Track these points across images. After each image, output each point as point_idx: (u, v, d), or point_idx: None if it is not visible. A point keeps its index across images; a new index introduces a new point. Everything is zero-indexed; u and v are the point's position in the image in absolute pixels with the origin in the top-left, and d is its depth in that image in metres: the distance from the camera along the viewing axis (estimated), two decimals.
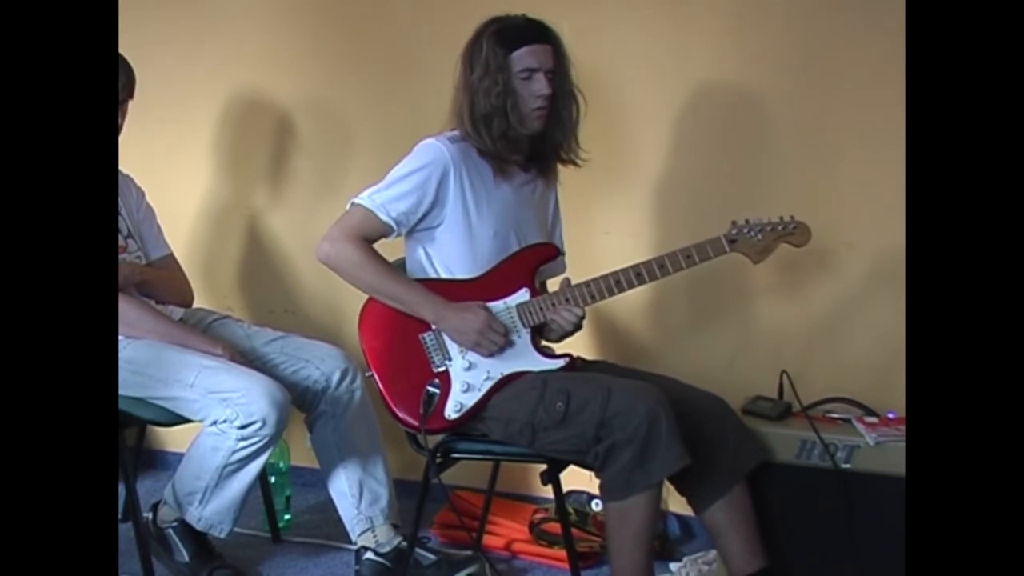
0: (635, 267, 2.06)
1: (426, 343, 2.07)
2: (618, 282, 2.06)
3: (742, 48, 2.44)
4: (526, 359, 2.08)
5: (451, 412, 2.04)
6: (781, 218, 2.09)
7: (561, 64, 2.08)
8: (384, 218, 2.05)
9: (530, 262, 2.14)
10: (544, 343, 2.15)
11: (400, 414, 2.05)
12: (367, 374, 2.11)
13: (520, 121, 2.05)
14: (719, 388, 2.11)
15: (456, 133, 2.10)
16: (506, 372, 2.06)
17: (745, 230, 2.07)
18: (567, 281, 2.11)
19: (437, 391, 2.04)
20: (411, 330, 2.08)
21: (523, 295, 2.10)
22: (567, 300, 2.07)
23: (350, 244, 2.05)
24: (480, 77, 2.03)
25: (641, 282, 2.06)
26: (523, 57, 2.03)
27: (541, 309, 2.08)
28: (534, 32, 2.05)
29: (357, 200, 2.07)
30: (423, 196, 2.06)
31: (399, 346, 2.08)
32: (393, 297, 2.08)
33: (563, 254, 2.25)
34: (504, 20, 2.07)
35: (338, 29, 2.80)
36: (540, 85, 2.03)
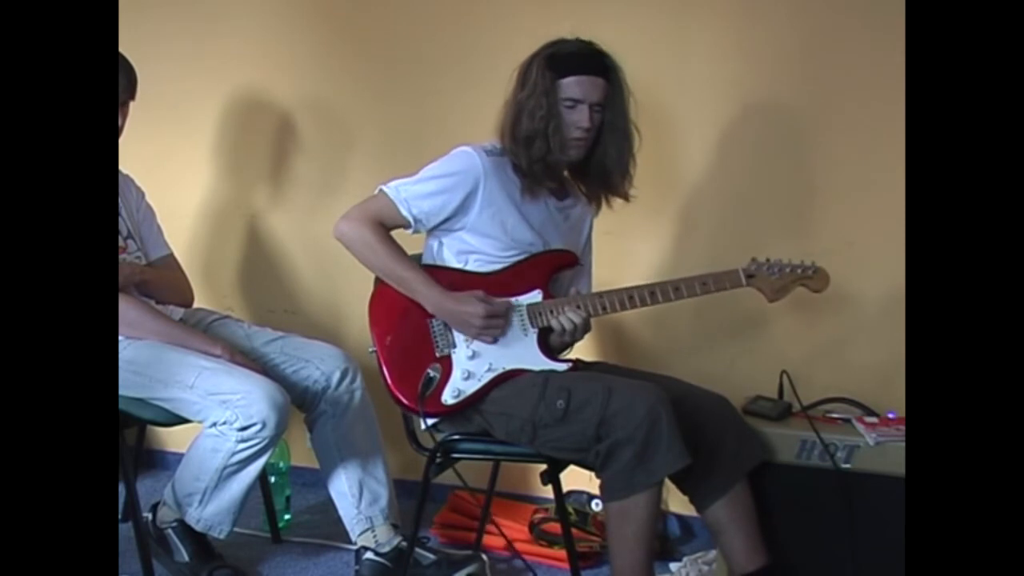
0: (650, 287, 2.08)
1: (433, 328, 2.08)
2: (631, 298, 2.08)
3: (743, 48, 2.44)
4: (531, 358, 2.09)
5: (448, 398, 2.05)
6: (803, 261, 2.11)
7: (614, 99, 2.07)
8: (404, 212, 2.06)
9: (546, 266, 2.14)
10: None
11: (397, 394, 2.06)
12: (369, 350, 2.11)
13: (561, 147, 2.05)
14: (719, 388, 2.11)
15: (496, 145, 2.11)
16: (508, 367, 2.07)
17: (764, 268, 2.10)
18: (577, 292, 2.14)
19: (437, 375, 2.04)
20: (420, 314, 2.09)
21: (535, 296, 2.11)
22: (578, 307, 2.08)
23: (366, 226, 2.07)
24: (527, 97, 2.04)
25: (655, 302, 2.08)
26: (569, 86, 2.03)
27: (551, 312, 2.09)
28: (587, 63, 2.04)
29: (385, 187, 2.09)
30: (448, 202, 2.07)
31: (405, 328, 2.09)
32: (398, 281, 2.09)
33: (581, 265, 2.23)
34: (561, 44, 2.06)
35: (338, 29, 2.80)
36: (581, 117, 2.03)
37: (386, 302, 2.12)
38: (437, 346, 2.08)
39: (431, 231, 2.14)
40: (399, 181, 2.08)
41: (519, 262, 2.12)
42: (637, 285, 2.08)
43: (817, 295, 2.43)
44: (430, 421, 2.09)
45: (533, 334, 2.10)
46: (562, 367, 2.09)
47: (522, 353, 2.09)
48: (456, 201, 2.07)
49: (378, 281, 2.14)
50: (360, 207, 2.09)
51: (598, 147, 2.10)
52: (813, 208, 2.39)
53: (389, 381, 2.07)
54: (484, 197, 2.07)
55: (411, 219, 2.07)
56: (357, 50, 2.79)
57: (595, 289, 2.20)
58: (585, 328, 2.10)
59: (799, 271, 2.11)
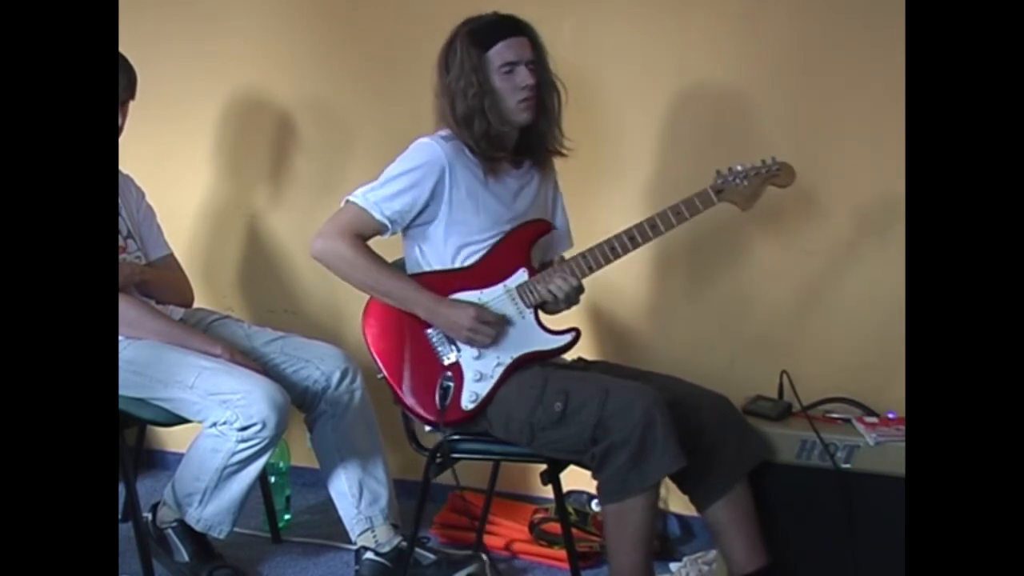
0: (627, 231, 2.06)
1: (432, 338, 2.07)
2: (612, 248, 2.06)
3: (743, 46, 2.44)
4: (533, 339, 2.08)
5: (467, 403, 2.04)
6: (763, 161, 2.09)
7: (539, 55, 2.08)
8: (378, 217, 2.05)
9: (524, 241, 2.12)
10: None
11: (418, 411, 2.05)
12: (379, 376, 2.10)
13: (501, 119, 2.04)
14: (719, 388, 2.11)
15: (448, 131, 2.10)
16: (516, 355, 2.06)
17: (730, 178, 2.08)
18: (560, 258, 2.11)
19: (451, 384, 2.04)
20: (416, 327, 2.08)
21: (521, 275, 2.09)
22: (565, 272, 2.06)
23: (343, 241, 2.04)
24: (456, 78, 2.04)
25: (635, 245, 2.06)
26: (500, 52, 2.03)
27: (540, 286, 2.07)
28: (507, 27, 2.05)
29: (351, 198, 2.07)
30: (418, 196, 2.05)
31: (407, 344, 2.08)
32: (386, 293, 2.07)
33: (556, 228, 2.22)
34: (476, 20, 2.07)
35: (338, 29, 2.80)
36: (523, 76, 2.03)
37: (380, 322, 2.10)
38: (441, 354, 2.07)
39: (408, 232, 2.12)
40: (364, 188, 2.06)
41: (495, 246, 2.10)
42: (615, 234, 2.06)
43: (819, 294, 2.45)
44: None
45: (530, 314, 2.09)
46: (567, 339, 2.09)
47: (524, 337, 2.08)
48: (426, 193, 2.05)
49: (368, 304, 2.12)
50: (333, 222, 2.06)
51: (538, 105, 2.08)
52: (813, 207, 2.39)
53: (407, 401, 2.06)
54: (452, 182, 2.05)
55: (386, 222, 2.05)
56: (357, 50, 2.79)
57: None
58: (579, 290, 2.09)
59: (764, 171, 2.08)
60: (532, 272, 2.10)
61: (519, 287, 2.09)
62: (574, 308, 2.14)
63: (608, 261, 2.06)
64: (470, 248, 2.10)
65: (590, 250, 2.06)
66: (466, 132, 2.05)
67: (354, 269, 2.06)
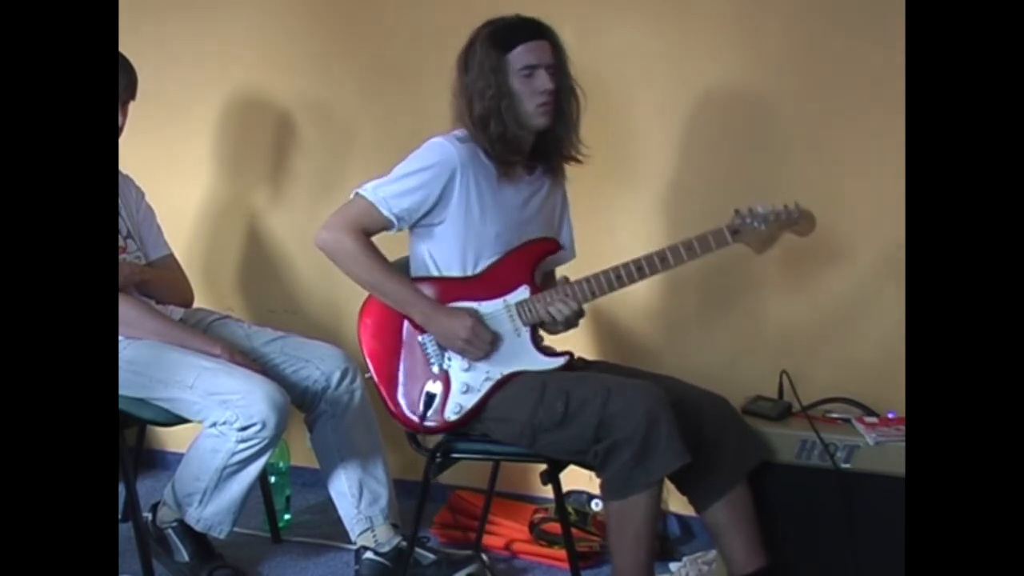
0: (636, 261, 2.04)
1: (425, 345, 2.07)
2: (619, 277, 2.04)
3: (745, 50, 2.44)
4: (526, 358, 2.07)
5: (450, 414, 2.04)
6: (785, 206, 2.06)
7: (560, 60, 2.07)
8: (386, 213, 2.03)
9: (530, 258, 2.11)
10: (545, 343, 2.14)
11: (400, 415, 2.05)
12: (366, 375, 2.11)
13: (518, 122, 2.03)
14: (719, 388, 2.11)
15: (464, 132, 2.08)
16: (506, 372, 2.06)
17: (748, 219, 2.04)
18: (564, 279, 2.10)
19: (437, 392, 2.04)
20: (411, 331, 2.08)
21: (523, 292, 2.08)
22: (567, 295, 2.05)
23: (348, 235, 2.03)
24: (475, 79, 2.03)
25: (642, 276, 2.04)
26: (521, 55, 2.02)
27: (540, 306, 2.06)
28: (529, 30, 2.04)
29: (361, 191, 2.05)
30: (428, 195, 2.04)
31: (398, 348, 2.08)
32: (384, 294, 2.07)
33: (563, 248, 2.22)
34: (498, 21, 2.06)
35: (338, 29, 2.80)
36: (542, 80, 2.02)
37: (374, 320, 2.10)
38: (432, 362, 2.06)
39: (414, 231, 2.11)
40: (374, 182, 2.05)
41: (500, 259, 2.09)
42: (623, 262, 2.04)
43: (818, 293, 2.45)
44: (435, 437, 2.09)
45: (526, 333, 2.08)
46: (559, 362, 2.07)
47: (517, 355, 2.07)
48: (436, 193, 2.04)
49: (365, 303, 2.12)
50: (339, 215, 2.05)
51: (556, 110, 2.07)
52: (816, 207, 2.39)
53: (390, 404, 2.06)
54: (463, 184, 2.04)
55: (393, 219, 2.03)
56: (357, 50, 2.79)
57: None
58: (578, 314, 2.08)
59: (784, 217, 2.04)
60: (534, 290, 2.09)
61: (519, 304, 2.08)
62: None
63: (612, 289, 2.04)
64: (476, 252, 2.09)
65: (595, 276, 2.04)
66: (482, 134, 2.04)
67: (356, 264, 2.05)
